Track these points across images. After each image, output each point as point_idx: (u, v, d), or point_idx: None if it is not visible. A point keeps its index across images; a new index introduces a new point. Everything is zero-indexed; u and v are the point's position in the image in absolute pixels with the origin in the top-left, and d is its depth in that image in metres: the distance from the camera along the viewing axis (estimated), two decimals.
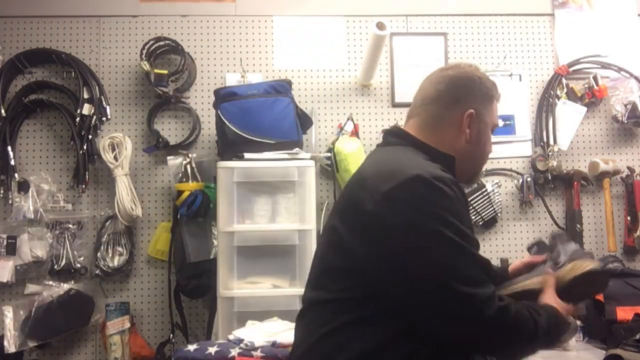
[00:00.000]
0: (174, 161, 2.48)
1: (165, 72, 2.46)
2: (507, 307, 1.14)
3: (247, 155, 2.27)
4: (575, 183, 2.63)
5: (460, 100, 1.32)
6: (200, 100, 2.63)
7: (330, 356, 1.19)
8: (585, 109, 2.69)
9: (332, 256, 1.26)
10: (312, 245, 2.21)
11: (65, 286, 2.43)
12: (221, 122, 2.34)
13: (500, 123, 2.69)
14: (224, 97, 2.37)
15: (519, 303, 1.20)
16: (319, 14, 2.71)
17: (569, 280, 1.33)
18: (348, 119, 2.60)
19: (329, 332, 1.22)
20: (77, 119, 2.46)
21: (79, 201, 2.54)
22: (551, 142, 2.63)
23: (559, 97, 2.69)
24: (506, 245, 2.66)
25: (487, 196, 2.61)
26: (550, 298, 1.28)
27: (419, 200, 1.12)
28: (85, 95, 2.49)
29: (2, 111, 2.47)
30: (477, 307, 1.09)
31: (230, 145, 2.33)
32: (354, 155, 2.45)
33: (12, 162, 2.47)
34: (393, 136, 1.37)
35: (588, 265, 1.35)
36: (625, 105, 2.66)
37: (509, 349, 1.18)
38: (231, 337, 1.93)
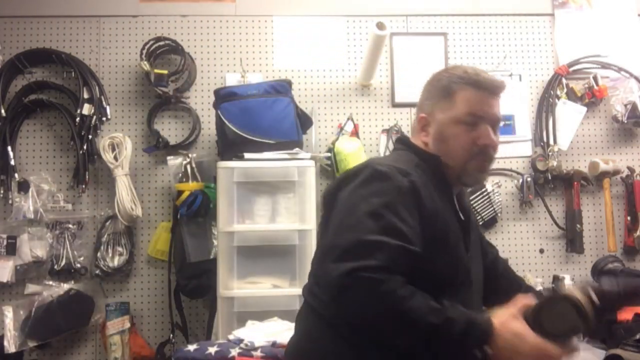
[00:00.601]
0: (174, 161, 2.48)
1: (165, 72, 2.46)
2: (379, 281, 1.07)
3: (247, 155, 2.27)
4: (575, 183, 2.63)
5: (422, 106, 1.40)
6: (200, 100, 2.63)
7: (317, 349, 1.25)
8: (585, 109, 2.69)
9: (318, 243, 1.37)
10: (312, 245, 2.21)
11: (65, 286, 2.43)
12: (221, 122, 2.34)
13: (501, 123, 2.70)
14: (224, 97, 2.37)
15: (421, 296, 1.09)
16: (319, 14, 2.71)
17: (533, 307, 1.15)
18: (348, 119, 2.60)
19: (312, 325, 1.28)
20: (77, 119, 2.46)
21: (79, 201, 2.54)
22: (551, 142, 2.63)
23: (559, 97, 2.69)
24: (506, 245, 2.66)
25: (487, 196, 2.61)
26: (499, 315, 1.14)
27: (356, 178, 1.22)
28: (85, 95, 2.49)
29: (2, 111, 2.47)
30: (339, 275, 1.08)
31: (230, 145, 2.33)
32: (354, 155, 2.45)
33: (12, 162, 2.47)
34: (397, 143, 1.47)
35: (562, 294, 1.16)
36: (625, 105, 2.66)
37: (366, 321, 1.12)
38: (231, 337, 1.93)
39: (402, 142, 1.44)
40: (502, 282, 1.63)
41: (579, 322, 1.11)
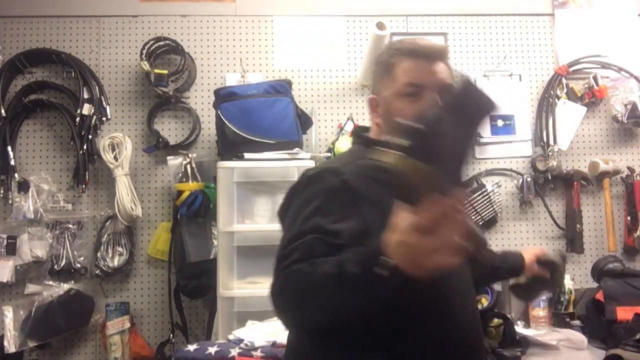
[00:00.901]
0: (174, 161, 2.48)
1: (165, 72, 2.46)
2: (291, 273, 1.07)
3: (247, 155, 2.27)
4: (575, 183, 2.63)
5: (372, 88, 1.39)
6: (200, 100, 2.63)
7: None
8: (585, 109, 2.69)
9: None
10: None
11: (65, 286, 2.43)
12: (221, 122, 2.34)
13: (500, 123, 2.70)
14: (224, 97, 2.37)
15: (330, 260, 1.02)
16: (319, 14, 2.71)
17: None
18: (348, 119, 2.60)
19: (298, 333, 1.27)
20: (77, 119, 2.46)
21: (79, 201, 2.53)
22: (551, 142, 2.63)
23: (559, 97, 2.69)
24: (506, 245, 2.66)
25: (487, 196, 2.61)
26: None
27: (295, 191, 1.24)
28: (85, 95, 2.49)
29: (2, 111, 2.47)
30: (275, 275, 1.11)
31: (230, 145, 2.33)
32: None
33: (12, 162, 2.47)
34: (352, 137, 1.47)
35: None
36: (625, 105, 2.66)
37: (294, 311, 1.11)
38: (231, 337, 1.93)
39: (355, 135, 1.43)
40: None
41: (406, 168, 0.90)
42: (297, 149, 2.34)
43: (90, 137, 2.48)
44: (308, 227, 1.11)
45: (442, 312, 1.18)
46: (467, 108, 0.96)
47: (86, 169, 2.48)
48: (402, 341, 1.13)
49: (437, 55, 1.28)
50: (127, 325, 2.42)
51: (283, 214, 1.25)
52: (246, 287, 2.24)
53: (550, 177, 2.61)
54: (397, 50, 1.29)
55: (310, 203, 1.15)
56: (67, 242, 2.46)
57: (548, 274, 1.55)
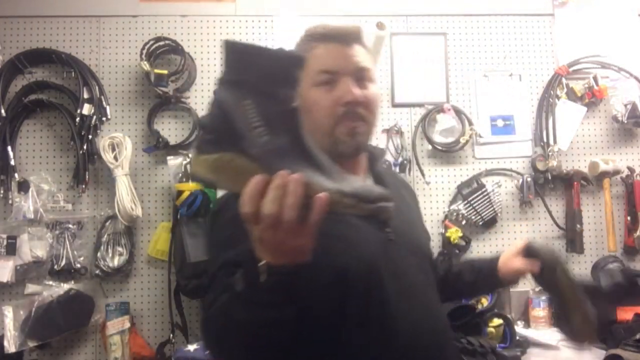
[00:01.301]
0: (174, 161, 2.48)
1: (165, 72, 2.46)
2: (206, 320, 1.02)
3: None
4: (575, 183, 2.63)
5: None
6: (200, 100, 2.63)
7: None
8: (585, 109, 2.70)
9: None
10: None
11: (65, 286, 2.43)
12: None
13: (500, 123, 2.70)
14: None
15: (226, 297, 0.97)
16: (319, 14, 2.71)
17: None
18: None
19: None
20: (77, 119, 2.46)
21: (79, 201, 2.53)
22: (551, 142, 2.63)
23: (559, 97, 2.69)
24: (506, 245, 2.65)
25: (487, 196, 2.61)
26: None
27: (209, 226, 1.19)
28: (85, 95, 2.49)
29: (2, 111, 2.47)
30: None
31: None
32: None
33: (12, 162, 2.47)
34: None
35: None
36: (625, 105, 2.66)
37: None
38: None
39: None
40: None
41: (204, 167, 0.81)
42: None
43: (90, 137, 2.47)
44: (219, 264, 1.03)
45: (384, 323, 1.09)
46: (250, 75, 0.83)
47: (86, 169, 2.47)
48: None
49: (351, 37, 1.20)
50: (127, 325, 2.42)
51: (208, 256, 1.16)
52: None
53: (550, 177, 2.61)
54: (310, 36, 1.21)
55: (219, 238, 1.09)
56: (67, 242, 2.46)
57: (536, 264, 1.36)
